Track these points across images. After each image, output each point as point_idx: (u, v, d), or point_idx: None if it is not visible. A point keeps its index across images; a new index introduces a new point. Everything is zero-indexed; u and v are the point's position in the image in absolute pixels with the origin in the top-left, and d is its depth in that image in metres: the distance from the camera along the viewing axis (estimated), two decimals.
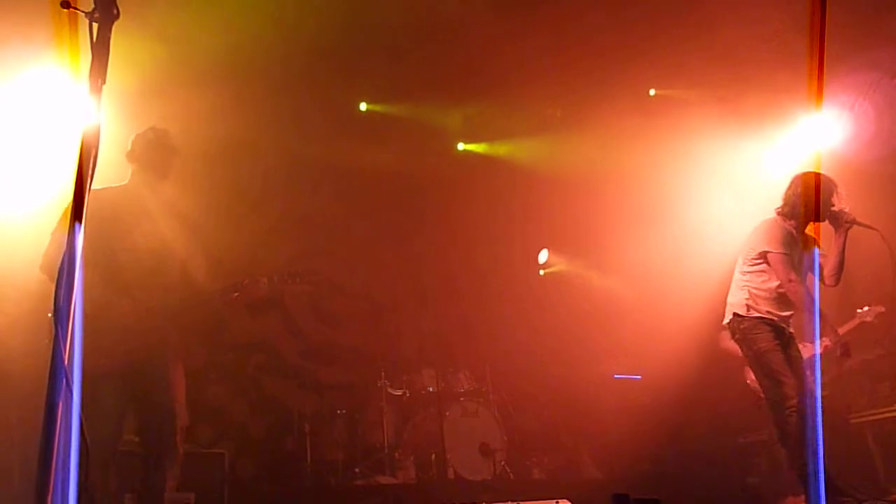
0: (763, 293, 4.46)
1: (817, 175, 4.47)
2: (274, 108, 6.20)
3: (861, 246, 4.50)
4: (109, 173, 3.64)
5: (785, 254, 4.39)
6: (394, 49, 6.49)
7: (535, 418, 7.09)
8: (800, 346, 4.57)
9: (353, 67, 6.56)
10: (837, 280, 4.46)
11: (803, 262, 4.56)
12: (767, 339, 4.37)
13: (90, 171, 1.72)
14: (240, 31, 5.64)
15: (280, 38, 5.85)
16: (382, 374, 6.50)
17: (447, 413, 6.26)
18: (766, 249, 4.44)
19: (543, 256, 8.49)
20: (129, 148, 3.74)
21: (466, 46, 6.46)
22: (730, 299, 4.64)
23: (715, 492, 5.75)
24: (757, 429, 5.89)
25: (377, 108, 7.31)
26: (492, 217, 7.73)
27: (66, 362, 1.39)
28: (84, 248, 3.13)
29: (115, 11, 1.86)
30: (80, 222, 1.59)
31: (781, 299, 4.42)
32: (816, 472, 3.95)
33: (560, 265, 8.55)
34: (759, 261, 4.49)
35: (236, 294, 3.80)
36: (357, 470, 6.03)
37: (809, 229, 4.58)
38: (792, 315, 4.48)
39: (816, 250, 4.56)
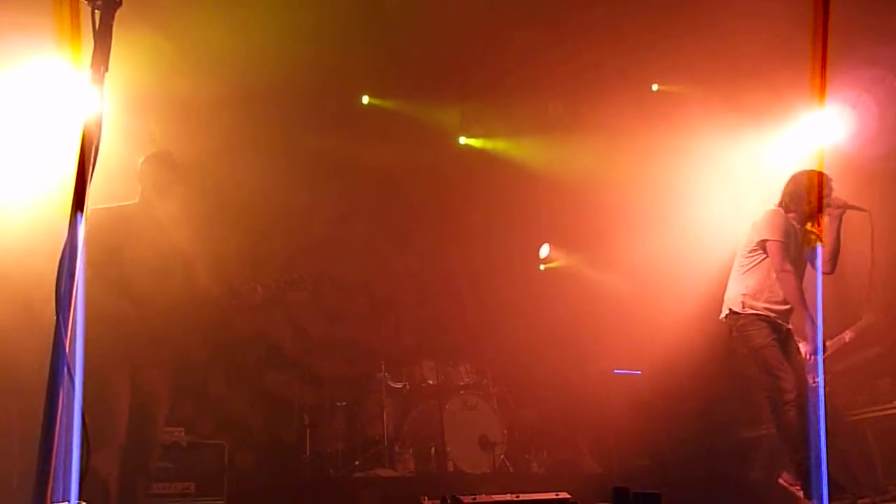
0: (760, 287, 4.45)
1: (813, 173, 4.47)
2: (276, 100, 6.19)
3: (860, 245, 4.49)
4: (112, 163, 3.66)
5: (782, 242, 4.39)
6: (395, 43, 6.47)
7: (534, 412, 7.10)
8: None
9: (355, 61, 6.54)
10: (833, 267, 4.47)
11: (802, 256, 4.56)
12: (764, 335, 4.37)
13: (92, 161, 1.72)
14: (242, 23, 5.63)
15: (282, 30, 5.84)
16: (382, 366, 6.51)
17: (447, 406, 6.28)
18: (766, 237, 4.44)
19: (545, 251, 8.49)
20: (138, 169, 3.95)
21: (468, 41, 6.44)
22: (727, 295, 4.64)
23: (715, 486, 5.76)
24: (757, 424, 5.90)
25: (378, 102, 7.30)
26: (492, 212, 7.73)
27: (67, 350, 1.39)
28: (95, 258, 3.30)
29: None
30: (82, 211, 1.58)
31: (778, 295, 4.41)
32: (817, 467, 3.96)
33: (561, 260, 8.55)
34: (757, 250, 4.49)
35: (234, 301, 4.05)
36: (356, 462, 6.05)
37: (809, 226, 4.57)
38: (790, 310, 4.47)
39: (819, 246, 4.55)
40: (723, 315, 4.61)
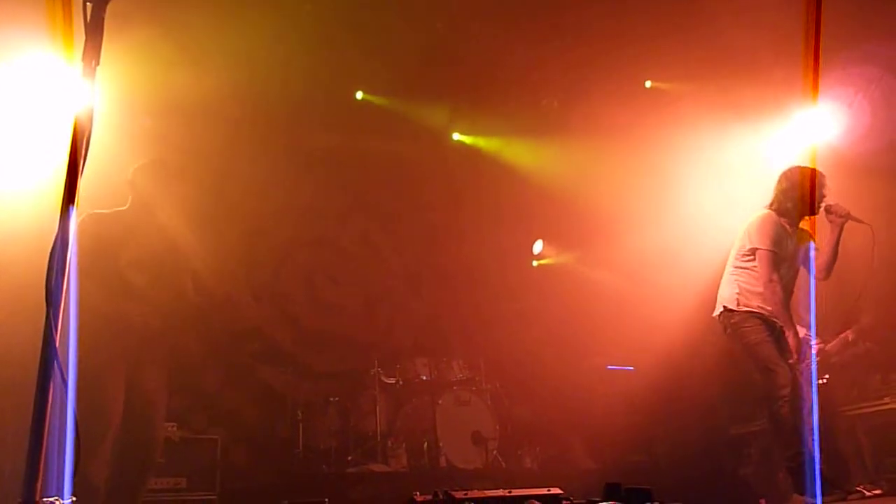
0: (753, 289, 4.47)
1: (806, 169, 4.47)
2: (271, 97, 6.17)
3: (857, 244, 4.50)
4: (103, 159, 3.67)
5: (772, 251, 4.39)
6: (389, 39, 6.45)
7: (527, 407, 7.11)
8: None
9: (349, 57, 6.52)
10: (828, 274, 4.48)
11: (797, 257, 4.57)
12: (758, 331, 4.38)
13: (83, 154, 1.71)
14: (237, 18, 5.61)
15: (277, 26, 5.82)
16: (376, 362, 6.51)
17: (440, 401, 6.28)
18: (756, 246, 4.45)
19: (538, 247, 8.50)
20: (130, 178, 3.99)
21: (462, 37, 6.44)
22: (720, 293, 4.65)
23: (707, 482, 5.78)
24: (749, 420, 5.92)
25: (372, 98, 7.28)
26: (486, 208, 7.73)
27: (57, 344, 1.38)
28: (90, 261, 3.33)
29: None
30: (73, 205, 1.58)
31: (779, 308, 4.42)
32: (810, 463, 3.98)
33: (554, 257, 8.56)
34: (749, 256, 4.51)
35: (228, 305, 4.06)
36: (349, 457, 6.05)
37: (804, 224, 4.58)
38: None
39: (812, 245, 4.56)
40: (717, 312, 4.62)
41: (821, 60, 4.79)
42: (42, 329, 1.48)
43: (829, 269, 4.47)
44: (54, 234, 1.57)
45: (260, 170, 6.12)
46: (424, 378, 6.59)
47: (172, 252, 3.91)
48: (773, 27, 5.81)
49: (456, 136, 7.95)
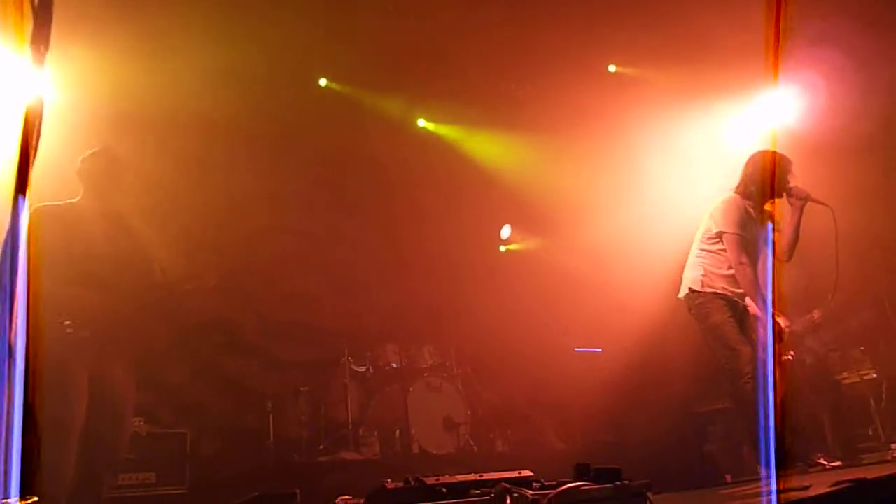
0: (718, 271, 4.53)
1: (773, 153, 4.53)
2: (232, 81, 6.06)
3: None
4: (57, 151, 3.61)
5: (739, 234, 4.46)
6: (352, 26, 6.38)
7: (498, 392, 7.15)
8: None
9: (312, 42, 6.44)
10: (790, 256, 4.56)
11: (760, 239, 4.64)
12: (721, 312, 4.46)
13: (34, 143, 1.66)
14: (197, 2, 5.51)
15: (238, 9, 5.72)
16: (346, 350, 6.49)
17: (411, 388, 6.29)
18: (723, 230, 4.51)
19: (506, 232, 8.53)
20: (78, 167, 3.88)
21: (425, 22, 6.39)
22: (686, 274, 4.71)
23: (674, 459, 5.88)
24: (714, 399, 6.03)
25: (336, 86, 7.21)
26: (453, 193, 7.72)
27: (9, 337, 1.35)
28: (44, 254, 3.24)
29: None
30: (24, 195, 1.53)
31: (752, 288, 4.49)
32: (771, 438, 4.07)
33: (521, 242, 8.60)
34: (715, 239, 4.57)
35: (188, 285, 4.02)
36: (321, 447, 6.03)
37: (767, 206, 4.65)
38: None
39: (770, 226, 4.63)
40: (682, 294, 4.69)
41: (781, 43, 4.84)
42: None
43: (790, 251, 4.55)
44: (6, 227, 1.53)
45: (221, 158, 6.02)
46: (395, 365, 6.59)
47: (134, 241, 3.82)
48: (734, 10, 5.87)
49: (421, 123, 7.92)
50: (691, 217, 4.97)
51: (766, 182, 4.47)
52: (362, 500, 2.19)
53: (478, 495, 2.04)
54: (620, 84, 7.29)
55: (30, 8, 1.80)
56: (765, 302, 4.41)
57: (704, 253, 4.62)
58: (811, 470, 4.11)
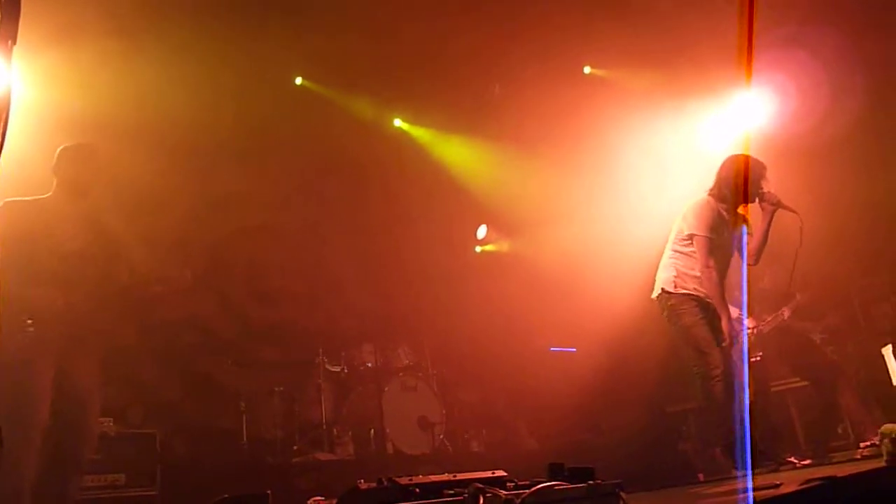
0: (690, 272, 4.58)
1: (748, 157, 4.58)
2: (209, 79, 6.00)
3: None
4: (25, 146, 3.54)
5: (708, 237, 4.51)
6: (328, 25, 6.35)
7: (473, 392, 7.16)
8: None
9: (289, 41, 6.39)
10: (757, 260, 4.62)
11: (732, 243, 4.70)
12: (693, 313, 4.51)
13: (0, 139, 1.62)
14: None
15: (214, 8, 5.66)
16: (320, 350, 6.45)
17: (386, 388, 6.27)
18: (694, 232, 4.56)
19: (482, 232, 8.54)
20: (54, 161, 3.77)
21: (402, 25, 6.37)
22: (659, 275, 4.75)
23: (647, 459, 5.93)
24: (686, 398, 6.10)
25: (312, 85, 7.17)
26: (431, 194, 7.72)
27: None
28: (10, 250, 3.15)
29: None
30: None
31: (715, 292, 4.53)
32: (742, 438, 4.12)
33: (496, 242, 8.62)
34: (687, 241, 4.62)
35: (161, 286, 3.91)
36: (295, 447, 5.98)
37: (741, 209, 4.70)
38: None
39: (745, 230, 4.68)
40: (655, 294, 4.72)
41: (754, 46, 4.91)
42: None
43: (758, 255, 4.61)
44: None
45: (198, 155, 5.94)
46: (370, 365, 6.56)
47: (102, 240, 3.72)
48: (708, 14, 5.94)
49: (397, 123, 7.90)
50: (665, 218, 5.01)
51: (740, 186, 4.53)
52: (335, 501, 2.17)
53: (451, 495, 2.02)
54: (596, 86, 7.34)
55: None
56: (727, 306, 4.48)
57: (677, 254, 4.66)
58: (781, 469, 4.16)
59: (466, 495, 1.99)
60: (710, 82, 6.50)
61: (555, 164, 7.31)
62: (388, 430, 6.07)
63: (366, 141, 7.31)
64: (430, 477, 2.16)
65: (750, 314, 5.46)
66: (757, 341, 5.67)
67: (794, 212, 4.48)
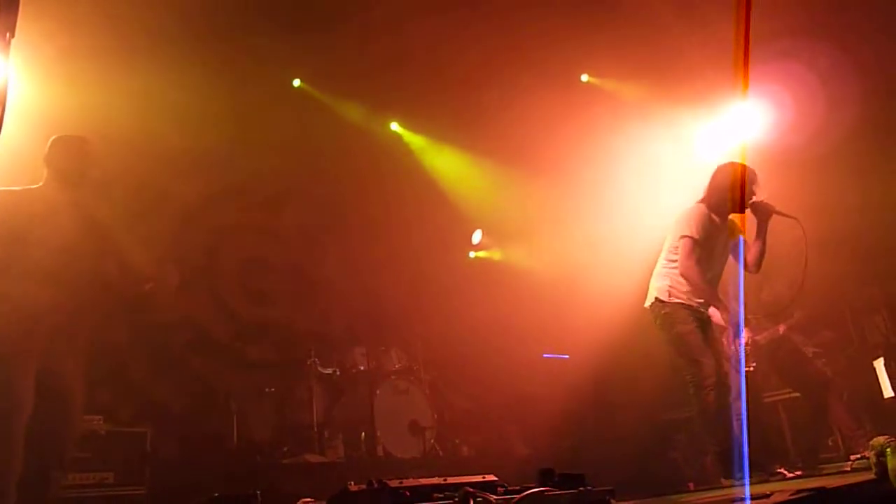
0: (684, 282, 4.58)
1: (739, 166, 4.59)
2: (204, 76, 5.99)
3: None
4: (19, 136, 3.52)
5: (694, 239, 4.51)
6: (327, 29, 6.36)
7: (465, 396, 7.16)
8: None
9: (287, 44, 6.39)
10: (759, 267, 4.62)
11: (726, 251, 4.71)
12: (686, 322, 4.51)
13: None
14: None
15: (213, 8, 5.66)
16: (312, 352, 6.43)
17: (378, 391, 6.26)
18: (682, 233, 4.56)
19: (477, 237, 8.55)
20: (46, 151, 3.72)
21: (398, 28, 6.38)
22: (652, 283, 4.75)
23: (637, 466, 5.94)
24: (678, 407, 6.10)
25: (309, 88, 7.17)
26: (424, 197, 7.72)
27: None
28: None
29: None
30: None
31: (699, 288, 4.54)
32: (735, 448, 4.13)
33: (491, 248, 8.63)
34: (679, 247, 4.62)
35: (149, 285, 3.81)
36: (285, 449, 5.96)
37: (734, 218, 4.71)
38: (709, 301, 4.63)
39: (741, 239, 4.69)
40: (648, 303, 4.73)
41: (749, 57, 4.93)
42: None
43: (758, 263, 4.61)
44: None
45: (191, 152, 5.92)
46: (362, 368, 6.55)
47: (92, 235, 3.65)
48: (705, 25, 5.96)
49: (394, 127, 7.91)
50: (659, 227, 5.02)
51: (732, 194, 4.54)
52: (324, 503, 2.16)
53: (441, 499, 2.02)
54: (592, 94, 7.36)
55: None
56: (719, 298, 4.49)
57: (671, 263, 4.66)
58: (771, 479, 4.16)
59: (456, 499, 1.98)
60: (706, 93, 6.53)
61: (550, 172, 7.33)
62: (378, 434, 6.05)
63: (361, 144, 7.31)
64: (421, 480, 2.15)
65: (746, 325, 5.47)
66: (751, 352, 5.69)
67: (789, 217, 4.48)
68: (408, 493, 2.04)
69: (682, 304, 4.55)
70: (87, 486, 4.36)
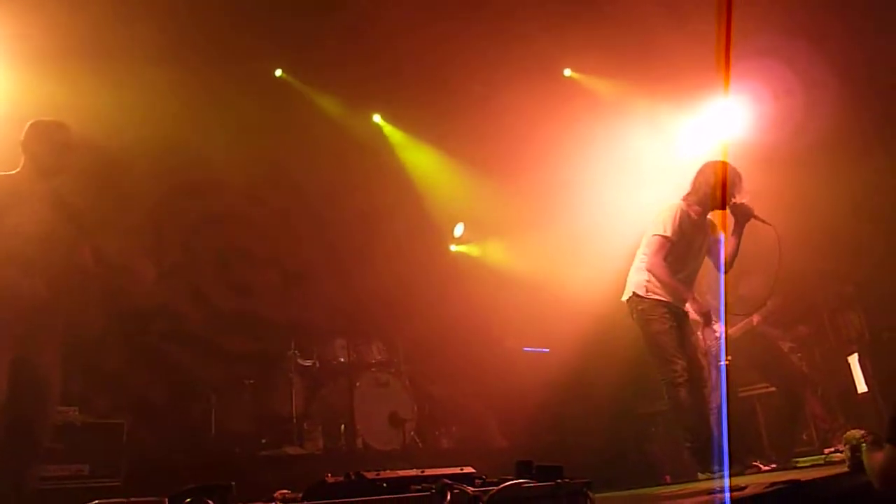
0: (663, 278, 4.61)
1: (723, 165, 4.62)
2: (185, 63, 5.92)
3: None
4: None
5: (665, 237, 4.54)
6: (310, 21, 6.31)
7: (445, 389, 7.15)
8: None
9: (269, 33, 6.33)
10: (729, 268, 4.67)
11: (704, 248, 4.74)
12: (663, 321, 4.55)
13: None
14: None
15: None
16: (292, 343, 6.40)
17: (358, 383, 6.25)
18: (657, 232, 4.59)
19: (459, 230, 8.54)
20: (23, 136, 3.66)
21: (380, 20, 6.34)
22: (630, 278, 4.78)
23: (615, 460, 5.98)
24: (655, 400, 6.15)
25: (291, 78, 7.12)
26: (407, 190, 7.70)
27: None
28: None
29: None
30: None
31: (669, 285, 4.57)
32: (709, 441, 4.17)
33: (472, 242, 8.64)
34: None
35: (126, 277, 3.76)
36: (263, 440, 5.93)
37: (714, 216, 4.74)
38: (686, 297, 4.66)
39: (721, 237, 4.73)
40: (625, 297, 4.76)
41: (731, 54, 4.96)
42: None
43: (730, 263, 4.66)
44: None
45: (170, 140, 5.85)
46: (342, 360, 6.54)
47: (68, 222, 3.60)
48: (688, 22, 5.99)
49: (376, 119, 7.87)
50: (639, 222, 5.05)
51: (714, 193, 4.57)
52: (301, 495, 2.15)
53: (419, 490, 2.02)
54: (574, 89, 7.37)
55: None
56: (690, 291, 4.53)
57: (649, 258, 4.68)
58: (747, 472, 4.21)
59: (434, 490, 1.98)
60: (688, 89, 6.56)
61: (531, 166, 7.33)
62: (358, 426, 6.05)
63: (342, 135, 7.27)
64: (398, 472, 2.15)
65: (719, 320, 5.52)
66: (726, 346, 5.74)
67: (767, 223, 4.53)
68: (385, 485, 2.03)
69: (661, 300, 4.58)
70: (62, 478, 4.28)
